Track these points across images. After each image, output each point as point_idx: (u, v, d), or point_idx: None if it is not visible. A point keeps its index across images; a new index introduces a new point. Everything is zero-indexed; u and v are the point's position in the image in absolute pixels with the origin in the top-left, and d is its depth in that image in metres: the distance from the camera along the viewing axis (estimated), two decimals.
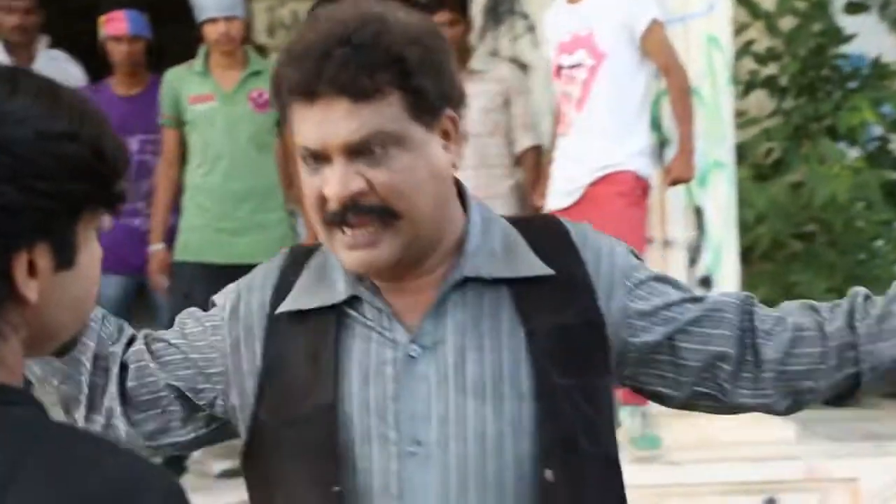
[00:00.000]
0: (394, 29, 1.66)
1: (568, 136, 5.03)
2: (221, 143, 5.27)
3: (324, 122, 1.64)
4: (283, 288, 1.79)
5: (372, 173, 1.65)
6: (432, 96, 1.68)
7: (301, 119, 1.66)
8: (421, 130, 1.68)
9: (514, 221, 1.82)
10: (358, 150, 1.65)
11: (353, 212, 1.66)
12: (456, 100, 1.73)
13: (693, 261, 5.41)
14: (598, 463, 1.74)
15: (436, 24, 1.77)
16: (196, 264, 5.19)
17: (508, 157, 5.67)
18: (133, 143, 5.54)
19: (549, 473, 1.68)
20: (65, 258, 1.19)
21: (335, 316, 1.74)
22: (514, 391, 1.70)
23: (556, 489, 1.68)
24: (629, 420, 4.93)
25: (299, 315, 1.75)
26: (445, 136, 1.72)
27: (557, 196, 5.04)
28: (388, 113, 1.65)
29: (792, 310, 1.84)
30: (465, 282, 1.74)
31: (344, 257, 1.69)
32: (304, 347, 1.74)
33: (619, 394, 4.90)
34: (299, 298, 1.76)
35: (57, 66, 5.76)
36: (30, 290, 1.16)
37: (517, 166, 5.68)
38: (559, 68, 5.05)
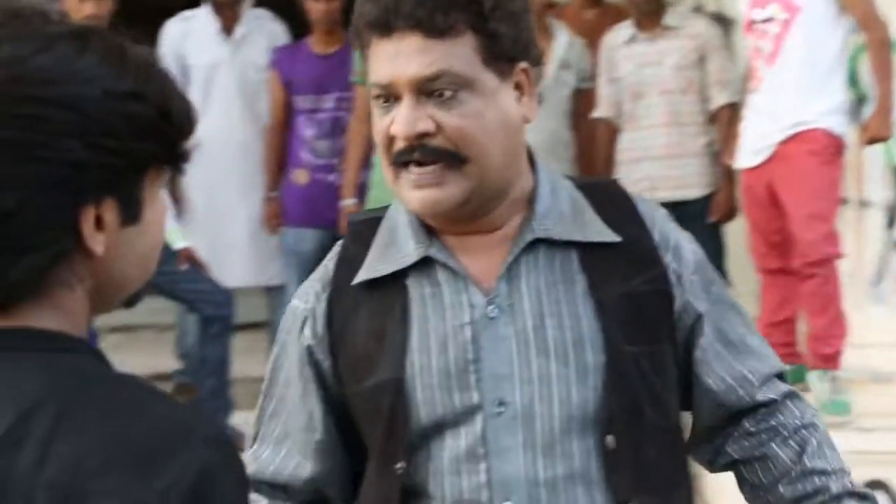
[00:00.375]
0: None
1: (759, 93, 4.91)
2: None
3: (396, 58, 1.64)
4: (346, 261, 1.78)
5: (441, 116, 1.64)
6: (506, 43, 1.67)
7: (376, 55, 1.67)
8: (493, 78, 1.67)
9: (580, 185, 1.81)
10: (428, 90, 1.64)
11: (421, 151, 1.65)
12: (533, 54, 1.72)
13: (890, 222, 5.23)
14: (661, 431, 1.73)
15: None
16: None
17: (702, 115, 5.56)
18: (329, 101, 5.68)
19: (610, 440, 1.68)
20: (131, 214, 1.23)
21: (403, 283, 1.73)
22: (592, 357, 1.69)
23: (618, 455, 1.68)
24: (818, 384, 4.80)
25: (370, 285, 1.74)
26: (519, 88, 1.71)
27: (747, 154, 4.94)
28: (460, 53, 1.64)
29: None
30: (536, 243, 1.73)
31: (409, 197, 1.67)
32: (372, 318, 1.73)
33: (808, 357, 4.79)
34: (372, 267, 1.75)
35: (261, 24, 5.95)
36: (96, 243, 1.21)
37: (712, 124, 5.58)
38: (751, 23, 4.93)
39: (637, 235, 1.76)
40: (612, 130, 5.71)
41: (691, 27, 5.63)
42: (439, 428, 1.70)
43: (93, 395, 1.17)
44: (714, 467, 1.88)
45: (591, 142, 5.80)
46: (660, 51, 5.58)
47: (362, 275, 1.75)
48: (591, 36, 5.82)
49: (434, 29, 1.63)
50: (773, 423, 1.82)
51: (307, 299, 1.79)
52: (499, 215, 1.73)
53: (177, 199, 5.67)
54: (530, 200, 1.74)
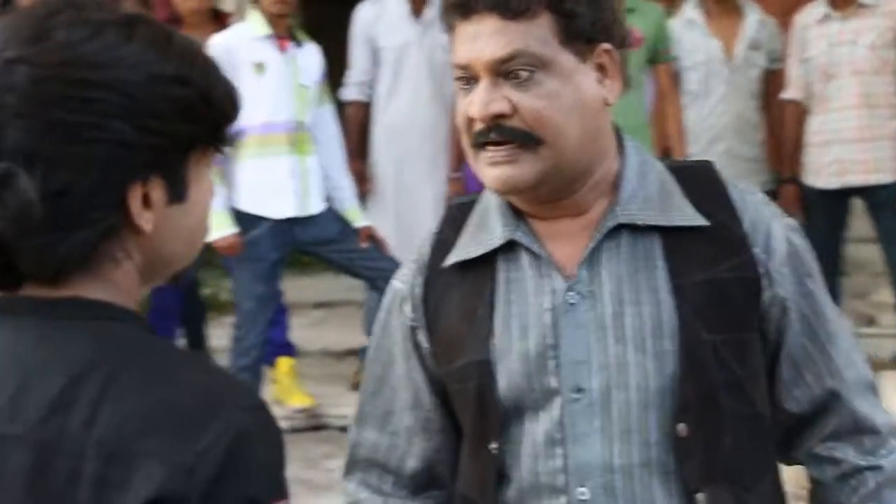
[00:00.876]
0: None
1: None
2: None
3: (475, 39, 1.65)
4: (440, 243, 1.81)
5: (517, 97, 1.64)
6: (585, 23, 1.65)
7: (458, 37, 1.68)
8: (571, 58, 1.66)
9: (672, 168, 1.77)
10: (504, 71, 1.65)
11: (497, 132, 1.65)
12: (616, 35, 1.69)
13: None
14: (741, 419, 1.69)
15: None
16: None
17: None
18: None
19: (681, 427, 1.66)
20: (177, 192, 1.29)
21: (492, 266, 1.74)
22: (670, 345, 1.67)
23: (690, 444, 1.66)
24: None
25: (462, 267, 1.76)
26: (601, 69, 1.68)
27: None
28: (536, 34, 1.64)
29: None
30: (619, 228, 1.71)
31: (486, 175, 1.68)
32: (464, 301, 1.75)
33: None
34: (464, 248, 1.77)
35: None
36: (144, 220, 1.27)
37: None
38: None
39: (726, 221, 1.72)
40: (801, 112, 5.57)
41: (888, 5, 5.43)
42: (519, 411, 1.71)
43: (137, 362, 1.23)
44: (786, 461, 1.84)
45: (780, 124, 5.67)
46: (854, 30, 5.41)
47: (453, 257, 1.77)
48: (784, 15, 5.68)
49: (510, 10, 1.64)
50: (837, 454, 1.78)
51: (405, 280, 1.82)
52: (582, 199, 1.72)
53: (364, 177, 5.80)
54: (616, 185, 1.73)
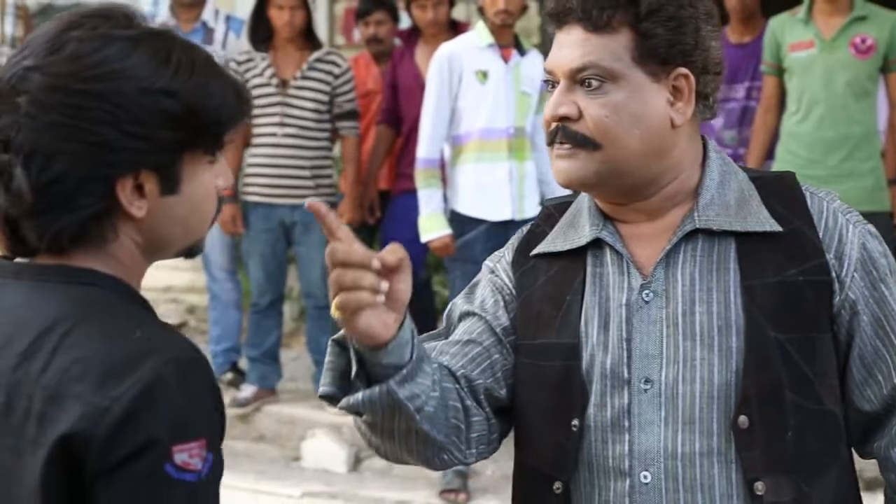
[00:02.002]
0: None
1: None
2: (817, 90, 5.25)
3: (561, 47, 1.83)
4: (533, 235, 1.96)
5: (585, 103, 1.79)
6: (660, 44, 1.78)
7: (554, 45, 1.85)
8: (643, 76, 1.79)
9: (754, 177, 1.88)
10: (580, 79, 1.80)
11: (562, 133, 1.81)
12: (698, 61, 1.80)
13: None
14: (808, 414, 1.77)
15: None
16: None
17: None
18: (740, 90, 5.69)
19: (742, 419, 1.76)
20: (169, 186, 1.52)
21: (582, 260, 1.88)
22: (736, 342, 1.77)
23: (752, 435, 1.76)
24: None
25: (550, 257, 1.91)
26: (675, 92, 1.80)
27: None
28: (612, 48, 1.78)
29: None
30: (696, 232, 1.82)
31: (554, 167, 1.84)
32: (551, 287, 1.89)
33: None
34: (553, 242, 1.92)
35: None
36: (135, 208, 1.50)
37: None
38: None
39: (801, 227, 1.82)
40: None
41: None
42: (593, 396, 1.83)
43: (92, 319, 1.46)
44: (862, 454, 1.91)
45: None
46: None
47: (541, 247, 1.93)
48: None
49: (594, 24, 1.79)
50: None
51: (497, 259, 1.98)
52: (660, 205, 1.85)
53: None
54: (696, 192, 1.85)
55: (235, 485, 5.40)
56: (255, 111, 5.85)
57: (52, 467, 1.40)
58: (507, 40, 5.26)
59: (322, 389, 1.75)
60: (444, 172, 5.28)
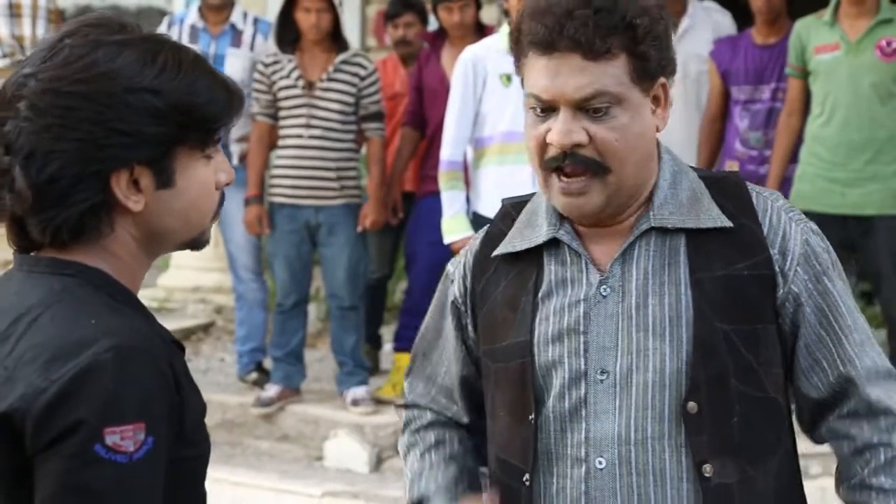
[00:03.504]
0: None
1: None
2: (842, 93, 5.23)
3: (558, 75, 1.85)
4: (492, 235, 2.02)
5: (594, 128, 1.85)
6: (653, 63, 1.85)
7: (534, 69, 1.87)
8: (639, 94, 1.86)
9: (704, 176, 1.95)
10: (585, 107, 1.84)
11: (571, 160, 1.85)
12: (670, 68, 1.89)
13: None
14: (752, 401, 1.86)
15: None
16: (805, 213, 5.20)
17: None
18: (765, 92, 5.68)
19: (692, 405, 1.84)
20: (163, 180, 1.60)
21: (537, 258, 1.94)
22: (686, 332, 1.85)
23: (700, 420, 1.84)
24: None
25: (510, 259, 1.97)
26: (656, 101, 1.88)
27: None
28: (613, 73, 1.83)
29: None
30: (650, 230, 1.90)
31: (558, 202, 1.90)
32: (508, 288, 1.96)
33: None
34: (511, 242, 1.98)
35: (707, 15, 6.03)
36: (132, 202, 1.59)
37: None
38: None
39: (747, 224, 1.90)
40: None
41: None
42: (552, 389, 1.91)
43: (59, 308, 1.56)
44: (814, 439, 1.99)
45: None
46: None
47: (500, 248, 1.99)
48: None
49: (593, 51, 1.83)
50: (853, 431, 1.91)
51: (457, 265, 2.06)
52: (627, 213, 1.93)
53: None
54: (651, 193, 1.92)
55: (258, 484, 5.45)
56: (282, 113, 5.90)
57: None
58: None
59: None
60: (467, 175, 5.30)
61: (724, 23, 6.05)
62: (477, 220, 5.21)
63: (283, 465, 5.82)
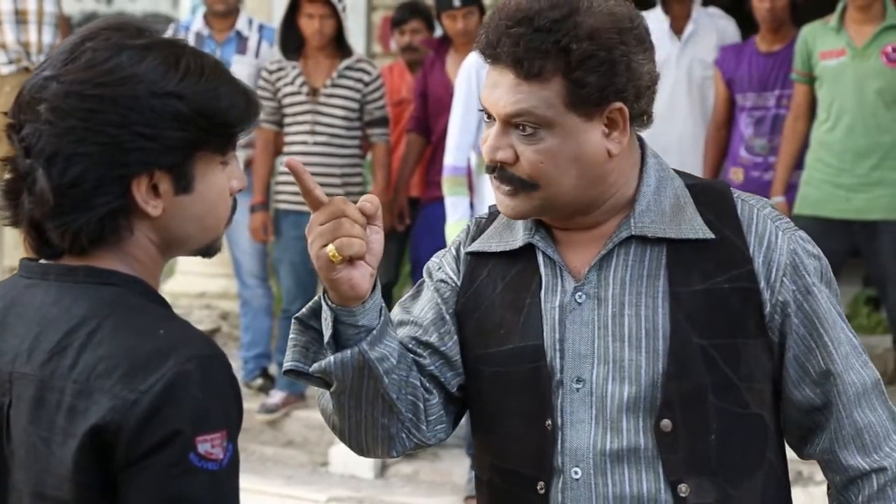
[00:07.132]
0: (577, 19, 1.77)
1: None
2: (847, 99, 5.23)
3: (495, 87, 1.84)
4: (474, 234, 1.98)
5: (521, 148, 1.82)
6: (593, 90, 1.78)
7: (487, 76, 1.86)
8: (576, 120, 1.80)
9: (690, 184, 1.90)
10: (514, 123, 1.81)
11: (499, 173, 1.83)
12: (631, 93, 1.81)
13: None
14: (732, 418, 1.81)
15: (630, 16, 1.82)
16: (811, 218, 5.22)
17: None
18: (770, 98, 5.67)
19: (665, 423, 1.81)
20: (183, 185, 1.60)
21: (534, 260, 1.90)
22: (662, 345, 1.81)
23: (675, 438, 1.80)
24: None
25: (505, 259, 1.93)
26: (611, 123, 1.82)
27: None
28: (544, 96, 1.79)
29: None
30: (630, 238, 1.86)
31: (496, 199, 1.88)
32: (507, 290, 1.91)
33: None
34: (486, 241, 1.95)
35: (711, 22, 6.03)
36: (151, 207, 1.58)
37: None
38: None
39: (730, 235, 1.86)
40: None
41: None
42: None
43: (117, 318, 1.55)
44: (801, 455, 1.96)
45: None
46: None
47: (474, 247, 1.96)
48: None
49: (524, 71, 1.80)
50: (843, 461, 1.88)
51: (439, 255, 2.02)
52: (597, 218, 1.88)
53: None
54: (633, 200, 1.88)
55: (263, 489, 5.45)
56: (287, 119, 5.90)
57: (83, 456, 1.50)
58: None
59: (287, 365, 1.82)
60: (470, 180, 5.30)
61: (729, 29, 6.05)
62: None
63: (289, 470, 5.83)
